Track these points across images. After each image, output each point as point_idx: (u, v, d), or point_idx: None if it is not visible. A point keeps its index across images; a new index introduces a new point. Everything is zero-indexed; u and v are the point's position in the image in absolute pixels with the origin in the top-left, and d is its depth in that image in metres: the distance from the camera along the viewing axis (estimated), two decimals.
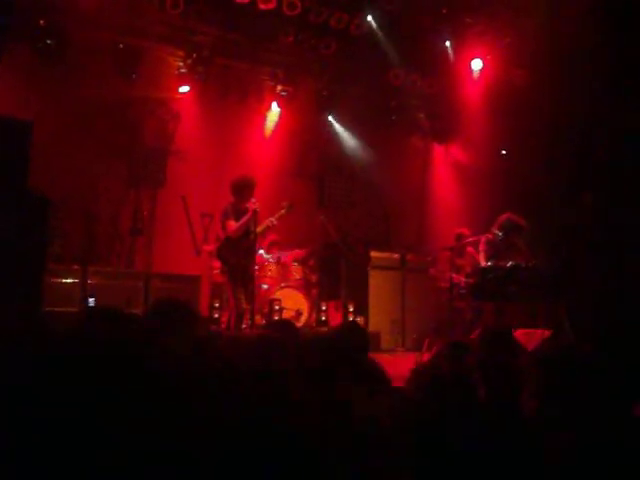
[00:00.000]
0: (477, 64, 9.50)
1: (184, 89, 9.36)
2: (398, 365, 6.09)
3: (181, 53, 9.26)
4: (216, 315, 8.10)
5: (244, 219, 7.16)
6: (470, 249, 7.68)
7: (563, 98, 8.73)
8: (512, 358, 2.97)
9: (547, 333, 6.43)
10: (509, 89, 9.23)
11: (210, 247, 7.69)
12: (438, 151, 10.32)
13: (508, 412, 2.50)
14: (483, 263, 7.06)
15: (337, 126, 10.15)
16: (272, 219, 7.63)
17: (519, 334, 6.68)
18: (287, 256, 8.49)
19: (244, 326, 7.20)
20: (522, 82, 9.31)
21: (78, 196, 8.52)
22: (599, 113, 8.51)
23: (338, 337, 3.63)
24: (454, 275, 7.16)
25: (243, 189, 7.31)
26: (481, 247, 7.29)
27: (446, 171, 10.09)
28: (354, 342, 3.52)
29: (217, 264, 7.58)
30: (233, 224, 7.16)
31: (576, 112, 8.51)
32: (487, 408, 2.72)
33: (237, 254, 7.13)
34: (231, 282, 7.23)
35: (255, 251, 7.61)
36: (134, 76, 8.93)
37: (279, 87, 9.76)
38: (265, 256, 8.32)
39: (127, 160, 9.10)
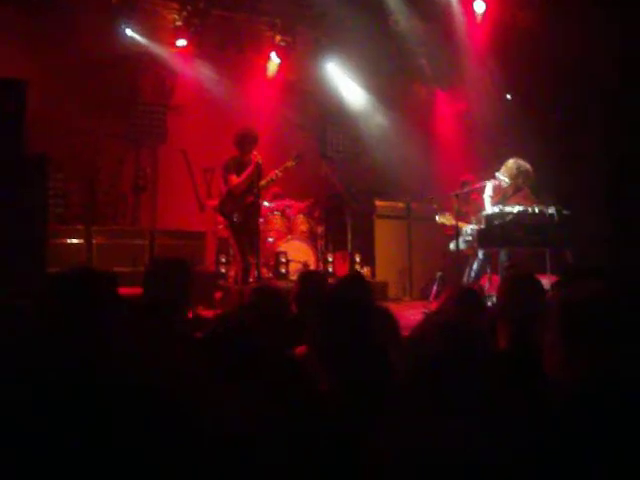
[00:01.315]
0: (480, 6, 9.26)
1: (181, 43, 9.19)
2: (404, 314, 6.11)
3: (176, 5, 9.08)
4: (223, 270, 8.09)
5: (246, 172, 7.09)
6: (476, 195, 7.60)
7: (570, 40, 8.54)
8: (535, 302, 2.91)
9: (554, 278, 6.38)
10: (513, 32, 9.02)
11: (214, 202, 7.63)
12: (441, 97, 10.15)
13: (530, 362, 2.45)
14: (489, 209, 6.99)
15: (338, 75, 9.96)
16: (277, 172, 7.56)
17: None
18: (292, 206, 8.46)
19: (251, 280, 7.20)
20: (527, 24, 9.09)
21: (78, 156, 8.46)
22: (609, 54, 8.34)
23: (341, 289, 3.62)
24: (460, 222, 7.09)
25: (245, 142, 7.22)
26: (487, 193, 7.21)
27: (450, 117, 9.94)
28: (357, 293, 3.50)
29: (221, 219, 7.54)
30: (235, 178, 7.09)
31: (585, 54, 8.33)
32: (507, 357, 2.68)
33: (240, 208, 7.08)
34: (235, 237, 7.20)
35: (259, 205, 7.56)
36: (128, 31, 8.77)
37: (277, 37, 9.57)
38: (269, 207, 8.27)
39: (126, 117, 8.98)
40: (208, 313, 6.61)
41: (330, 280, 7.25)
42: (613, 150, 8.51)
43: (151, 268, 3.09)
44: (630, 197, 8.38)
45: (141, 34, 8.91)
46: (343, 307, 2.52)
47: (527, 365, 2.39)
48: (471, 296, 3.53)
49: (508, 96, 9.20)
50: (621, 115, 8.38)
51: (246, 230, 7.12)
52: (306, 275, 3.78)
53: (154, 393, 1.11)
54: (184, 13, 9.09)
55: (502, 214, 6.78)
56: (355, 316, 2.65)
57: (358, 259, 8.55)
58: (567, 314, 2.12)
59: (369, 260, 8.79)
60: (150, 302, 3.02)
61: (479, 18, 9.24)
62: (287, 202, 8.57)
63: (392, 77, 9.94)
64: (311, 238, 8.34)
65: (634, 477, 1.45)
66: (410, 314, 6.14)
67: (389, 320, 2.83)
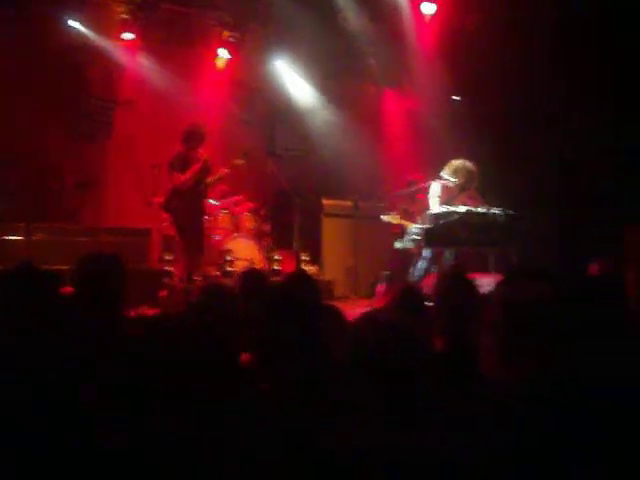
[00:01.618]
0: (429, 8, 9.32)
1: (127, 36, 9.01)
2: (351, 312, 6.10)
3: None
4: (168, 268, 7.97)
5: (193, 169, 7.02)
6: (422, 195, 7.66)
7: (515, 44, 8.70)
8: (471, 302, 2.94)
9: (499, 278, 6.46)
10: (461, 34, 9.12)
11: (160, 199, 7.52)
12: (390, 97, 10.20)
13: (468, 361, 2.47)
14: (435, 209, 7.06)
15: (287, 72, 9.92)
16: (224, 170, 7.51)
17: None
18: (238, 204, 8.39)
19: (196, 278, 7.13)
20: (475, 27, 9.21)
21: (22, 152, 8.23)
22: (553, 62, 8.52)
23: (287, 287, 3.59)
24: (406, 221, 7.15)
25: (193, 138, 7.16)
26: (433, 193, 7.27)
27: (398, 117, 10.00)
28: (304, 291, 3.48)
29: (167, 216, 7.44)
30: (181, 175, 7.01)
31: (531, 58, 8.50)
32: (445, 357, 2.69)
33: (186, 205, 7.01)
34: (181, 234, 7.12)
35: (205, 202, 7.50)
36: (74, 23, 8.57)
37: (227, 33, 9.46)
38: (216, 205, 8.20)
39: (72, 112, 8.79)
40: (152, 312, 6.54)
41: (276, 279, 7.26)
42: (559, 151, 8.69)
43: (78, 266, 3.00)
44: (576, 198, 8.58)
45: (88, 27, 8.73)
46: (289, 305, 2.51)
47: (463, 365, 2.41)
48: (412, 296, 3.54)
49: (455, 97, 9.30)
50: (568, 117, 8.57)
51: (192, 228, 7.05)
52: (247, 273, 3.74)
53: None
54: (131, 6, 8.92)
55: (448, 214, 6.85)
56: (301, 314, 2.64)
57: (305, 257, 8.54)
58: (510, 315, 2.13)
59: (316, 259, 8.79)
60: (82, 301, 2.94)
61: (428, 19, 9.31)
62: (234, 200, 8.50)
63: (341, 75, 9.96)
64: (258, 236, 8.29)
65: (588, 472, 1.46)
66: (356, 313, 6.14)
67: (337, 318, 2.83)
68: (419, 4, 9.26)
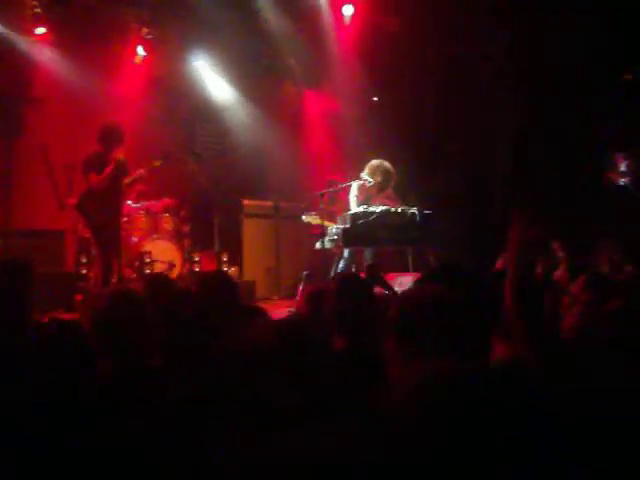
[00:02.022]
0: (348, 9, 9.41)
1: (40, 31, 8.70)
2: (272, 313, 6.10)
3: None
4: (84, 271, 7.77)
5: (108, 170, 6.85)
6: (342, 195, 7.73)
7: (431, 46, 8.90)
8: (366, 302, 2.99)
9: (417, 276, 6.59)
10: (380, 36, 9.25)
11: (75, 200, 7.31)
12: (310, 97, 10.24)
13: (367, 360, 2.50)
14: (354, 209, 7.13)
15: (207, 71, 9.81)
16: (142, 170, 7.36)
17: (391, 278, 6.87)
18: (157, 205, 8.25)
19: (113, 281, 6.97)
20: (393, 29, 9.35)
21: None
22: (471, 61, 8.76)
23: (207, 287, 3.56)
24: (326, 221, 7.19)
25: (110, 137, 6.98)
26: (352, 193, 7.35)
27: (319, 117, 10.05)
28: (223, 292, 3.46)
29: (82, 218, 7.24)
30: (96, 176, 6.83)
31: (434, 65, 8.72)
32: (343, 357, 2.72)
33: (102, 207, 6.84)
34: (96, 236, 6.94)
35: (122, 203, 7.34)
36: None
37: (145, 30, 9.25)
38: (134, 206, 8.04)
39: None
40: (68, 317, 6.36)
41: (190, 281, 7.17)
42: (475, 153, 8.94)
43: None
44: (490, 198, 8.85)
45: None
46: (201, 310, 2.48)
47: (362, 366, 2.44)
48: (322, 295, 3.57)
49: (374, 98, 9.42)
50: (481, 120, 8.83)
51: (108, 229, 6.88)
52: (152, 277, 3.69)
53: None
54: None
55: (366, 214, 6.94)
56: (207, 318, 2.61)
57: (225, 258, 8.48)
58: (401, 317, 2.18)
59: (237, 259, 8.73)
60: None
61: (347, 20, 9.39)
62: (152, 200, 8.34)
63: (261, 75, 9.92)
64: (177, 237, 8.17)
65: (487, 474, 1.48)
66: (277, 313, 6.14)
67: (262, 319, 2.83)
68: (339, 6, 9.35)
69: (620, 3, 7.98)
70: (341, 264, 7.35)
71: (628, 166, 9.43)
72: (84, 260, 7.76)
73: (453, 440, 1.31)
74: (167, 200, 8.42)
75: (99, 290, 6.42)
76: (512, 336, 2.29)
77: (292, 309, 6.27)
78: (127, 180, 7.32)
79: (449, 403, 1.30)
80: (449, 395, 1.31)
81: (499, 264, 4.48)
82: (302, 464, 1.28)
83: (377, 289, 4.00)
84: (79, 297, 7.22)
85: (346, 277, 3.61)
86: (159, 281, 3.53)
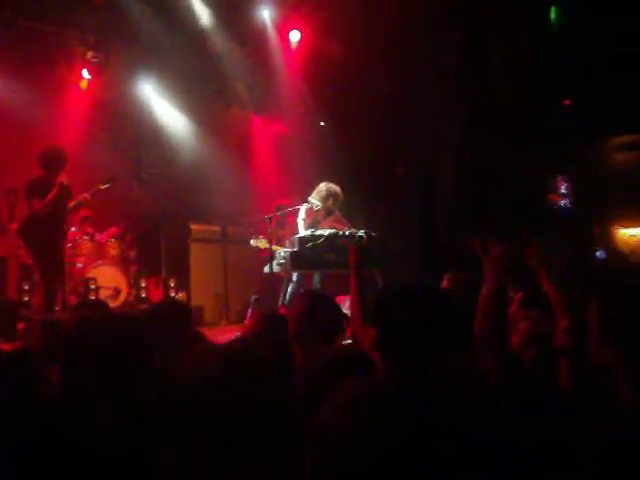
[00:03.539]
0: (295, 35, 9.51)
1: None
2: (220, 338, 6.05)
3: None
4: (26, 298, 7.57)
5: (51, 195, 6.72)
6: (291, 219, 7.74)
7: (371, 75, 9.06)
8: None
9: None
10: (325, 62, 9.37)
11: (16, 225, 7.15)
12: (258, 122, 10.28)
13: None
14: (301, 232, 7.14)
15: (154, 96, 9.76)
16: (86, 195, 7.23)
17: (340, 300, 6.88)
18: (102, 236, 8.12)
19: (57, 308, 6.81)
20: (338, 55, 9.49)
21: None
22: (410, 82, 8.95)
23: (157, 312, 3.54)
24: (274, 245, 7.18)
25: (52, 162, 6.85)
26: (300, 217, 7.36)
27: (266, 142, 10.09)
28: (175, 316, 3.45)
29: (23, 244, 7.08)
30: (39, 201, 6.69)
31: (380, 90, 8.87)
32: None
33: (44, 232, 6.69)
34: (39, 262, 6.78)
35: (65, 229, 7.20)
36: None
37: (90, 53, 9.15)
38: (75, 232, 7.90)
39: None
40: (8, 346, 6.17)
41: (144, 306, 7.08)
42: (421, 174, 9.10)
43: None
44: (436, 220, 9.00)
45: None
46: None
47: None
48: (271, 320, 3.60)
49: (322, 123, 9.51)
50: (427, 142, 9.00)
51: (50, 255, 6.73)
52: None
53: None
54: None
55: (313, 237, 6.94)
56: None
57: (173, 284, 8.37)
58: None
59: (184, 284, 8.64)
60: None
61: (294, 46, 9.49)
62: (97, 226, 8.21)
63: (209, 100, 9.92)
64: (123, 263, 8.04)
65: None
66: (226, 338, 6.09)
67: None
68: (287, 31, 9.44)
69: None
70: (290, 288, 7.33)
71: (567, 188, 9.74)
72: (26, 287, 7.57)
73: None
74: (113, 225, 8.29)
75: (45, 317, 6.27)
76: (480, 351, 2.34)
77: (238, 334, 6.23)
78: (71, 204, 7.19)
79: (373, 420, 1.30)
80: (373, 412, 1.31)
81: (443, 284, 4.54)
82: None
83: None
84: (21, 325, 7.02)
85: (314, 295, 3.71)
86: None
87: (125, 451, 1.87)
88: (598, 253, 9.65)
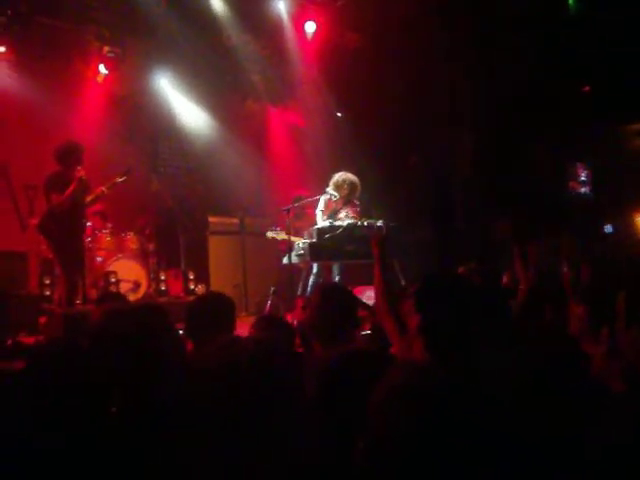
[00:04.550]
0: (311, 26, 9.48)
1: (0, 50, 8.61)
2: (240, 330, 6.06)
3: None
4: (47, 292, 7.63)
5: (69, 190, 6.77)
6: (309, 210, 7.73)
7: (387, 65, 9.01)
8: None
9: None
10: (342, 52, 9.33)
11: (36, 221, 7.20)
12: (274, 113, 10.26)
13: None
14: (320, 223, 7.13)
15: (170, 89, 9.77)
16: (103, 188, 7.26)
17: (360, 290, 6.87)
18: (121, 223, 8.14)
19: (78, 302, 6.87)
20: (354, 45, 9.45)
21: None
22: (430, 76, 8.90)
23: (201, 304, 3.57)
24: (293, 237, 7.17)
25: (68, 156, 6.89)
26: (318, 208, 7.36)
27: (283, 133, 10.07)
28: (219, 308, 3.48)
29: (44, 239, 7.13)
30: (58, 196, 6.74)
31: (395, 80, 8.82)
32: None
33: (64, 227, 6.74)
34: (60, 256, 6.84)
35: (84, 223, 7.25)
36: None
37: (106, 48, 9.18)
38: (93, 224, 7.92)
39: None
40: (31, 339, 6.23)
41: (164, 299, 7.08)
42: (436, 164, 9.05)
43: None
44: (452, 209, 8.95)
45: None
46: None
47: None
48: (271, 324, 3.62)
49: (338, 113, 9.48)
50: (443, 132, 8.95)
51: (70, 250, 6.78)
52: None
53: None
54: (3, 18, 8.51)
55: (332, 228, 6.95)
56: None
57: (192, 276, 8.39)
58: None
59: (203, 277, 8.65)
60: None
61: (310, 37, 9.46)
62: (116, 219, 8.23)
63: (225, 92, 9.91)
64: (142, 256, 8.05)
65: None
66: (245, 330, 6.10)
67: None
68: (302, 22, 9.41)
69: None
70: (311, 279, 7.34)
71: (587, 176, 9.65)
72: (48, 281, 7.62)
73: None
74: (132, 219, 8.25)
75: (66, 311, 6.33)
76: None
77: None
78: (89, 198, 7.23)
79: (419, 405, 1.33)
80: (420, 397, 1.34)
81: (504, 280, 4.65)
82: None
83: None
84: (43, 319, 7.08)
85: (329, 287, 3.72)
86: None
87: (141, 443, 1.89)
88: (606, 227, 9.58)
